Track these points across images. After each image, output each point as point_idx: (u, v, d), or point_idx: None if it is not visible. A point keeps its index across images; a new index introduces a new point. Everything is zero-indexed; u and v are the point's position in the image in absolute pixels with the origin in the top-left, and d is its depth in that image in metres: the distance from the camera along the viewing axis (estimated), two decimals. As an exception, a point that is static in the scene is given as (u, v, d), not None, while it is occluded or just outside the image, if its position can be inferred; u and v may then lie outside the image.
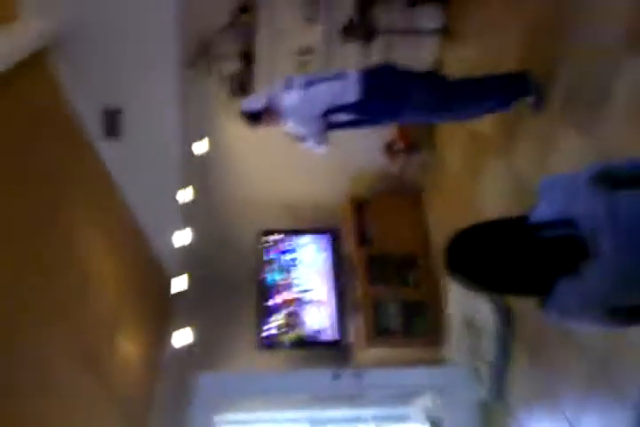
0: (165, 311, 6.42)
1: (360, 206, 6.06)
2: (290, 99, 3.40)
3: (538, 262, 1.40)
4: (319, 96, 3.35)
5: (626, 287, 1.33)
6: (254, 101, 3.51)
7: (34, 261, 3.96)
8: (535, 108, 3.41)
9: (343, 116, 3.42)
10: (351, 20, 4.91)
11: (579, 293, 1.36)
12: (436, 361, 4.84)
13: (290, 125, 3.51)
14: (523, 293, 1.52)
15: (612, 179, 1.40)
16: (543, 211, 1.46)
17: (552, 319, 1.49)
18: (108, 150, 5.58)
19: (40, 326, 3.81)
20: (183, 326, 5.96)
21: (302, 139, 3.51)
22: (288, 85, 3.48)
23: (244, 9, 5.29)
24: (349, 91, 3.33)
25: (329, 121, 3.42)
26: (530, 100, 3.41)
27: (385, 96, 3.34)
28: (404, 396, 5.10)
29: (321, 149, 3.57)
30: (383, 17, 5.13)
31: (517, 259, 1.42)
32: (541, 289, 1.43)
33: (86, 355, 4.39)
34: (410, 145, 5.30)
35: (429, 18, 5.31)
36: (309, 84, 3.42)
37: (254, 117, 3.50)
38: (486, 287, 1.51)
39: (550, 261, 1.39)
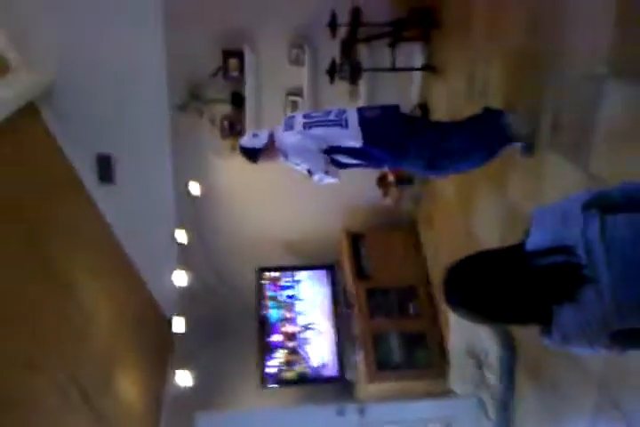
0: (165, 352, 6.38)
1: (356, 240, 6.10)
2: (291, 138, 3.43)
3: (535, 291, 1.41)
4: (321, 137, 3.38)
5: (624, 312, 1.34)
6: (255, 139, 3.51)
7: (29, 308, 3.96)
8: (524, 154, 3.49)
9: (344, 159, 3.47)
10: (334, 62, 5.01)
11: (578, 319, 1.37)
12: (441, 393, 4.80)
13: (293, 162, 3.51)
14: (522, 322, 1.53)
15: (603, 205, 1.43)
16: (537, 239, 1.48)
17: (554, 346, 1.49)
18: (102, 196, 5.65)
19: (34, 373, 3.78)
20: (183, 367, 5.93)
21: (309, 173, 3.48)
22: (289, 125, 3.50)
23: (232, 53, 5.41)
24: (352, 137, 3.37)
25: (331, 157, 3.46)
26: (519, 145, 3.48)
27: (385, 146, 3.40)
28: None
29: (332, 180, 3.51)
30: (366, 57, 5.27)
31: (514, 288, 1.42)
32: (541, 317, 1.44)
33: (84, 396, 4.35)
34: (401, 178, 5.37)
35: (412, 55, 5.46)
36: (310, 124, 3.45)
37: (254, 154, 3.52)
38: (485, 318, 1.52)
39: (547, 289, 1.40)
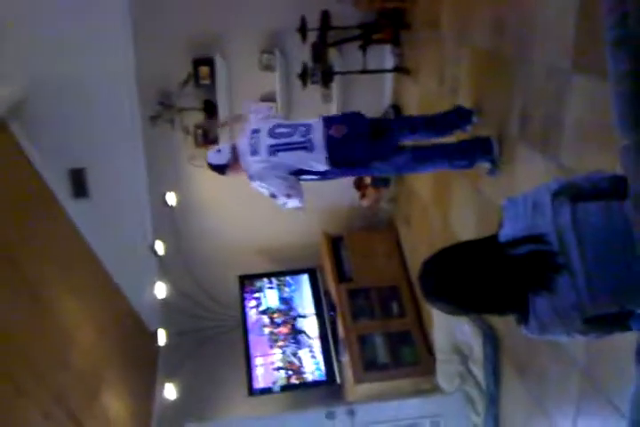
0: (150, 365, 6.33)
1: (336, 243, 6.12)
2: (257, 165, 3.44)
3: (509, 279, 1.42)
4: (286, 164, 3.41)
5: (598, 297, 1.36)
6: (220, 155, 3.55)
7: (7, 329, 3.91)
8: (491, 174, 3.62)
9: (309, 177, 3.53)
10: (305, 66, 5.05)
11: (554, 307, 1.38)
12: (430, 390, 4.84)
13: (257, 185, 3.51)
14: (499, 311, 1.54)
15: (572, 194, 1.46)
16: (509, 229, 1.50)
17: (532, 335, 1.51)
18: (77, 210, 5.59)
19: (18, 397, 3.73)
20: (168, 380, 5.90)
21: (273, 197, 3.48)
22: (254, 148, 3.48)
23: (203, 61, 5.41)
24: (317, 160, 3.39)
25: (297, 177, 3.49)
26: (487, 165, 3.60)
27: (351, 166, 3.49)
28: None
29: (296, 204, 3.49)
30: (337, 60, 5.32)
31: (489, 278, 1.43)
32: (517, 306, 1.45)
33: (71, 417, 4.30)
34: (377, 178, 5.41)
35: (383, 57, 5.52)
36: (276, 149, 3.42)
37: (221, 169, 3.58)
38: (462, 309, 1.53)
39: (521, 277, 1.41)
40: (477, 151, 3.55)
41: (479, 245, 1.54)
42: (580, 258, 1.36)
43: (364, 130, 3.48)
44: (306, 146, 3.40)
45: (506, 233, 1.50)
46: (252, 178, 3.50)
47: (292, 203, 3.46)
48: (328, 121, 3.54)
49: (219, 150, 3.60)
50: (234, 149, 3.55)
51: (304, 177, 3.52)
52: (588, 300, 1.36)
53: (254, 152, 3.47)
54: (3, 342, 3.74)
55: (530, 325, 1.46)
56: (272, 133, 3.50)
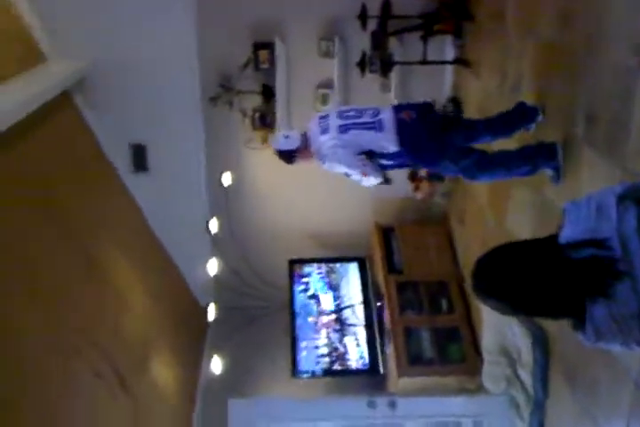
0: (199, 339, 6.48)
1: (387, 234, 6.08)
2: (328, 143, 3.38)
3: (566, 283, 1.37)
4: (356, 142, 3.34)
5: None
6: (289, 140, 3.48)
7: (67, 293, 4.04)
8: (554, 181, 3.46)
9: (381, 160, 3.43)
10: (364, 54, 4.97)
11: (612, 314, 1.33)
12: (473, 390, 4.78)
13: (330, 166, 3.46)
14: (553, 315, 1.49)
15: (638, 197, 1.38)
16: (570, 232, 1.44)
17: (587, 343, 1.44)
18: (136, 184, 5.72)
19: (72, 357, 3.86)
20: (215, 353, 6.01)
21: (347, 175, 3.44)
22: (324, 128, 3.44)
23: (263, 45, 5.40)
24: (387, 140, 3.32)
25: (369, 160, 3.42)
26: (550, 173, 3.44)
27: (420, 153, 3.39)
28: (441, 426, 5.03)
29: (373, 181, 3.45)
30: (397, 50, 5.22)
31: (545, 279, 1.39)
32: (574, 311, 1.41)
33: (121, 381, 4.43)
34: (433, 173, 5.32)
35: (443, 49, 5.40)
36: (345, 128, 3.39)
37: (290, 156, 3.50)
38: (515, 309, 1.48)
39: (579, 282, 1.36)
40: (541, 157, 3.40)
41: (537, 245, 1.48)
42: None
43: (435, 119, 3.46)
44: (375, 126, 3.36)
45: (566, 235, 1.45)
46: (323, 159, 3.43)
47: (369, 181, 3.43)
48: (398, 107, 3.52)
49: (287, 136, 3.53)
50: (304, 135, 3.50)
51: (374, 160, 3.43)
52: None
53: (324, 131, 3.44)
54: (59, 301, 3.87)
55: (586, 332, 1.40)
56: (341, 116, 3.47)
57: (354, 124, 3.40)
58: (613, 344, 1.43)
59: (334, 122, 3.44)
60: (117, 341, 4.63)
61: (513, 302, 1.44)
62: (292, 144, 3.46)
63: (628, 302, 1.31)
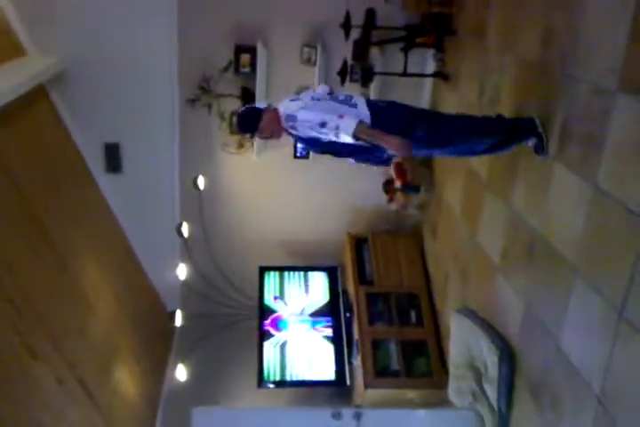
0: (164, 345, 6.39)
1: (359, 244, 6.06)
2: (299, 103, 3.33)
3: None
4: (330, 108, 3.27)
5: None
6: (251, 106, 3.43)
7: (30, 293, 3.95)
8: (539, 153, 3.39)
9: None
10: (345, 63, 4.97)
11: None
12: (439, 404, 4.75)
13: (303, 124, 3.28)
14: None
15: None
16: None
17: None
18: (108, 184, 5.65)
19: (34, 360, 3.78)
20: (180, 361, 5.93)
21: (323, 125, 3.22)
22: (294, 98, 3.43)
23: (245, 49, 5.38)
24: (360, 114, 3.26)
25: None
26: (530, 143, 3.41)
27: (390, 126, 3.29)
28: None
29: (352, 123, 3.19)
30: (378, 60, 5.24)
31: None
32: None
33: (82, 385, 4.34)
34: (408, 184, 5.32)
35: (424, 61, 5.43)
36: (317, 99, 3.38)
37: (253, 118, 3.35)
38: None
39: None
40: (519, 128, 3.39)
41: None
42: None
43: (406, 108, 3.47)
44: (348, 104, 3.33)
45: None
46: (294, 118, 3.29)
47: (347, 125, 3.20)
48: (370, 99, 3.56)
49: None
50: (270, 105, 3.43)
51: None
52: None
53: (295, 99, 3.40)
54: (24, 304, 3.79)
55: None
56: (313, 97, 3.43)
57: (327, 99, 3.40)
58: None
59: (306, 97, 3.43)
60: (82, 346, 4.54)
61: None
62: (259, 105, 3.42)
63: None
